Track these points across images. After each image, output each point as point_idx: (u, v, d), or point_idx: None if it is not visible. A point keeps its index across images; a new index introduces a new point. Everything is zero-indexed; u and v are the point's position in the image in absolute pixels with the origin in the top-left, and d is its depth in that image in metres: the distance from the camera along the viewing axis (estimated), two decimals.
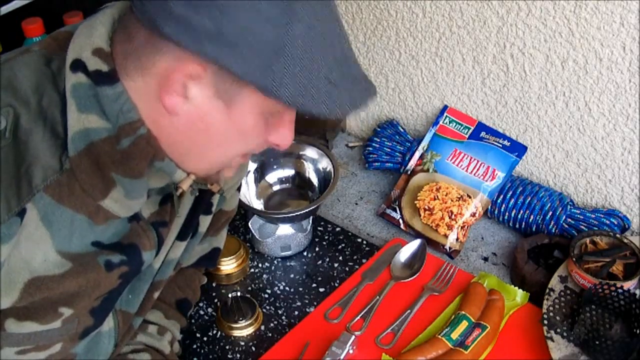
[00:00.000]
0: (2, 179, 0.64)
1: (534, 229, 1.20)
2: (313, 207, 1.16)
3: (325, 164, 1.24)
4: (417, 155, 1.30)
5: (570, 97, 1.15)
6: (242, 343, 1.05)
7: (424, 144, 1.30)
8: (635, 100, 1.09)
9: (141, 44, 0.66)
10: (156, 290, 0.90)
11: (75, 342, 0.78)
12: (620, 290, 0.98)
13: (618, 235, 1.07)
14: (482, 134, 1.26)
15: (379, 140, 1.36)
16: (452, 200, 1.21)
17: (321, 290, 1.14)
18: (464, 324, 1.00)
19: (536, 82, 1.18)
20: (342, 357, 0.96)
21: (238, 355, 1.04)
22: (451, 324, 1.00)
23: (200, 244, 0.98)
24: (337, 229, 1.26)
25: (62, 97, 0.68)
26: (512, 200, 1.21)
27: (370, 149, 1.37)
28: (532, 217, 1.19)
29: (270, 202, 1.27)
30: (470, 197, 1.21)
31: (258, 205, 1.25)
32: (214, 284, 1.15)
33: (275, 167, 1.28)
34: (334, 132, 1.47)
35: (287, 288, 1.15)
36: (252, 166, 1.24)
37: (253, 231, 1.20)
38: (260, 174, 1.27)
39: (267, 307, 1.11)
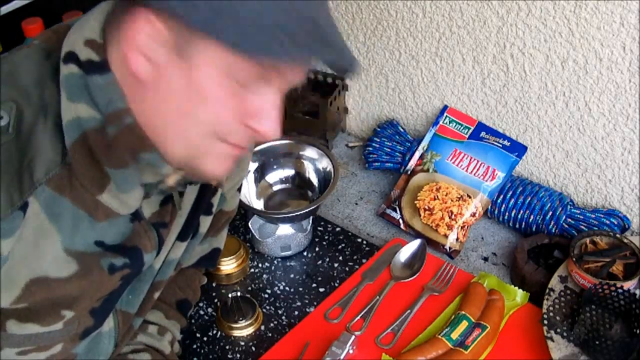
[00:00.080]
0: (5, 174, 0.64)
1: (534, 229, 1.20)
2: (313, 207, 1.16)
3: (325, 164, 1.24)
4: (417, 155, 1.30)
5: (570, 97, 1.15)
6: (242, 343, 1.05)
7: (424, 144, 1.30)
8: (635, 100, 1.09)
9: (117, 17, 0.67)
10: (156, 290, 0.90)
11: (75, 343, 0.79)
12: (620, 290, 0.98)
13: (618, 235, 1.07)
14: (482, 134, 1.26)
15: (379, 140, 1.36)
16: (452, 200, 1.21)
17: (321, 290, 1.14)
18: (464, 324, 1.00)
19: (536, 82, 1.18)
20: (342, 357, 0.96)
21: (238, 355, 1.04)
22: (451, 324, 1.00)
23: (201, 245, 0.98)
24: (337, 229, 1.26)
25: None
26: (512, 200, 1.21)
27: (370, 149, 1.37)
28: (532, 217, 1.19)
29: (270, 202, 1.27)
30: (470, 197, 1.21)
31: (258, 205, 1.25)
32: (214, 284, 1.15)
33: (275, 167, 1.28)
34: (334, 132, 1.47)
35: (287, 288, 1.15)
36: (252, 166, 1.24)
37: (253, 231, 1.20)
38: (260, 173, 1.27)
39: (267, 307, 1.11)
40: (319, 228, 1.26)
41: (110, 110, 0.68)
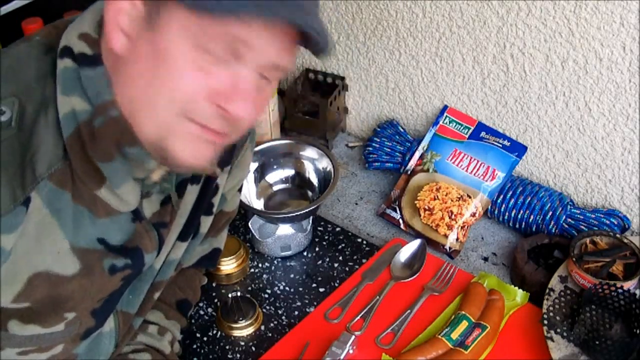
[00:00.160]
0: (7, 169, 0.64)
1: (534, 229, 1.20)
2: (313, 207, 1.16)
3: (325, 164, 1.24)
4: (417, 155, 1.30)
5: (570, 97, 1.15)
6: (242, 343, 1.05)
7: (424, 144, 1.30)
8: (635, 100, 1.09)
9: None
10: (157, 290, 0.90)
11: (76, 343, 0.79)
12: (620, 290, 0.98)
13: (618, 235, 1.07)
14: (482, 134, 1.26)
15: (379, 140, 1.36)
16: (452, 200, 1.21)
17: (321, 290, 1.14)
18: (464, 324, 1.00)
19: (536, 82, 1.18)
20: (342, 357, 0.96)
21: (238, 355, 1.04)
22: (451, 324, 1.00)
23: (201, 245, 0.98)
24: (337, 229, 1.26)
25: None
26: (512, 200, 1.21)
27: (370, 149, 1.37)
28: (532, 217, 1.19)
29: (270, 202, 1.27)
30: (470, 197, 1.21)
31: (258, 205, 1.25)
32: (214, 284, 1.15)
33: (275, 167, 1.28)
34: (334, 132, 1.47)
35: (287, 288, 1.15)
36: (252, 166, 1.24)
37: (253, 231, 1.20)
38: (261, 173, 1.27)
39: (267, 307, 1.11)
40: (319, 228, 1.26)
41: (98, 102, 0.68)
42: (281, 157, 1.27)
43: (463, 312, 1.01)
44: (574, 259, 1.04)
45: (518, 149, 1.23)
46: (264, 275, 1.17)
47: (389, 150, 1.35)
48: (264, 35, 0.64)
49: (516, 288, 1.08)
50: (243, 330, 1.06)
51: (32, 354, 0.75)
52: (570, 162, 1.22)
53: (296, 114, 1.44)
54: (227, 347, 1.05)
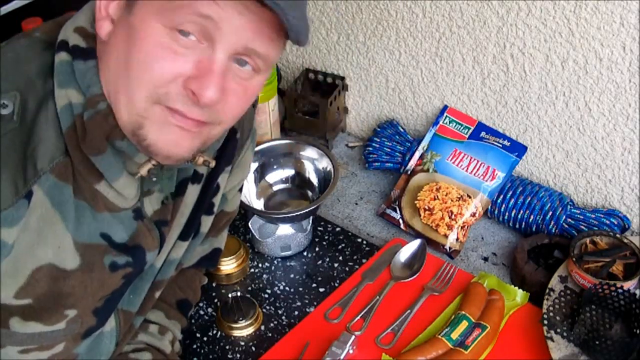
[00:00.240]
0: (9, 162, 0.65)
1: (534, 229, 1.20)
2: (313, 207, 1.16)
3: (325, 164, 1.24)
4: (417, 155, 1.30)
5: (570, 97, 1.15)
6: (242, 343, 1.05)
7: (424, 144, 1.30)
8: (635, 100, 1.09)
9: None
10: (157, 289, 0.90)
11: (77, 342, 0.79)
12: (620, 290, 0.98)
13: (618, 235, 1.07)
14: (482, 134, 1.26)
15: (379, 140, 1.36)
16: (452, 200, 1.21)
17: (321, 290, 1.14)
18: (464, 324, 1.00)
19: (536, 82, 1.18)
20: (342, 357, 0.96)
21: (238, 355, 1.04)
22: (451, 324, 1.00)
23: (201, 245, 0.98)
24: (337, 229, 1.26)
25: None
26: (512, 200, 1.21)
27: (370, 149, 1.37)
28: (532, 217, 1.19)
29: (270, 202, 1.27)
30: (470, 197, 1.21)
31: (258, 205, 1.25)
32: (214, 284, 1.15)
33: (275, 167, 1.28)
34: (334, 132, 1.47)
35: (287, 288, 1.15)
36: (252, 166, 1.24)
37: (253, 231, 1.20)
38: (261, 173, 1.27)
39: (267, 307, 1.11)
40: (319, 228, 1.26)
41: (89, 95, 0.68)
42: (281, 157, 1.27)
43: (463, 312, 1.01)
44: (574, 259, 1.04)
45: (518, 149, 1.23)
46: (264, 275, 1.17)
47: (389, 150, 1.35)
48: (234, 15, 0.63)
49: (516, 288, 1.08)
50: (243, 330, 1.06)
51: (33, 352, 0.75)
52: (570, 162, 1.22)
53: (296, 114, 1.45)
54: (227, 347, 1.05)
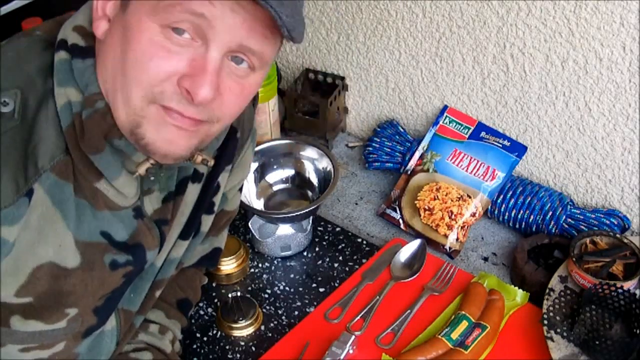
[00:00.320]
0: (10, 160, 0.65)
1: (534, 229, 1.20)
2: (313, 207, 1.16)
3: (325, 164, 1.24)
4: (417, 155, 1.30)
5: (570, 97, 1.15)
6: (242, 343, 1.05)
7: (424, 144, 1.30)
8: (635, 100, 1.09)
9: None
10: (158, 289, 0.90)
11: (78, 341, 0.79)
12: (620, 290, 0.98)
13: (618, 235, 1.07)
14: (482, 134, 1.26)
15: (379, 140, 1.36)
16: (452, 200, 1.21)
17: (321, 290, 1.14)
18: (464, 324, 1.00)
19: (536, 82, 1.18)
20: (342, 357, 0.96)
21: (238, 355, 1.04)
22: (451, 324, 1.00)
23: (202, 244, 0.98)
24: (337, 229, 1.26)
25: None
26: (512, 200, 1.21)
27: (370, 149, 1.37)
28: (532, 217, 1.19)
29: (270, 202, 1.27)
30: (470, 197, 1.21)
31: (258, 205, 1.25)
32: (214, 284, 1.15)
33: (275, 167, 1.28)
34: (334, 132, 1.47)
35: (287, 288, 1.15)
36: (252, 166, 1.24)
37: (253, 231, 1.20)
38: (261, 173, 1.27)
39: (267, 307, 1.11)
40: (319, 228, 1.25)
41: (87, 93, 0.69)
42: (281, 157, 1.27)
43: (463, 312, 1.01)
44: (574, 259, 1.04)
45: (518, 149, 1.23)
46: (264, 275, 1.17)
47: (389, 150, 1.35)
48: (227, 14, 0.63)
49: (516, 288, 1.08)
50: (243, 330, 1.06)
51: (34, 351, 0.75)
52: (570, 162, 1.22)
53: (296, 114, 1.45)
54: (227, 347, 1.05)
